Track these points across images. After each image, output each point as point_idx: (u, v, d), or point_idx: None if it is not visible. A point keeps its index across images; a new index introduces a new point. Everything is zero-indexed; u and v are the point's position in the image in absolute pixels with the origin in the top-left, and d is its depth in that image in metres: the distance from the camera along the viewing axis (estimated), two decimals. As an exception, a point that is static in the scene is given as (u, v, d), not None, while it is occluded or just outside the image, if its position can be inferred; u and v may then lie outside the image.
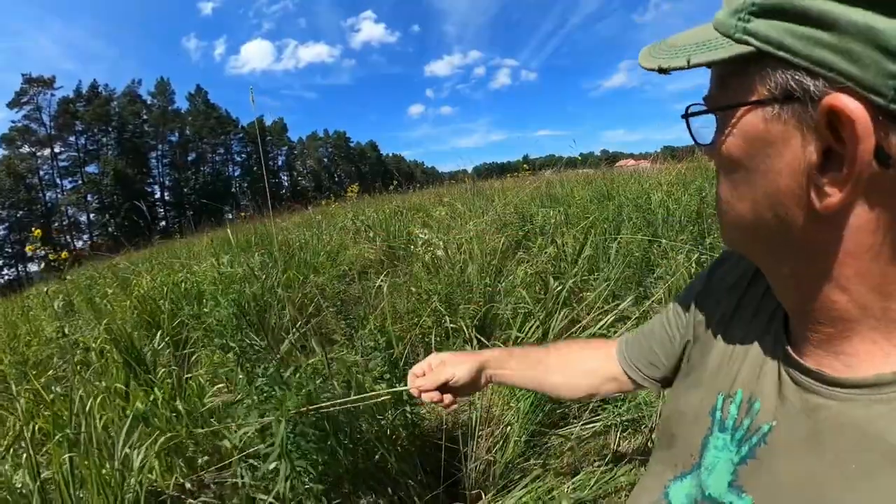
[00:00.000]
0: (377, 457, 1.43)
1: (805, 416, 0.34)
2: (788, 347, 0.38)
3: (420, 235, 2.22)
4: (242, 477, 1.21)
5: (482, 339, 1.76)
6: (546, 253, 2.13)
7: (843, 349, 0.33)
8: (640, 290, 2.37)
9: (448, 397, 0.71)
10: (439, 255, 2.11)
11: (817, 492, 0.31)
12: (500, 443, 1.57)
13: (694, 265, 2.48)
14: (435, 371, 0.71)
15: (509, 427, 1.54)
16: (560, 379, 0.71)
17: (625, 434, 1.56)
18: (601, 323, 1.78)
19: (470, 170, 7.41)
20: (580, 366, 0.70)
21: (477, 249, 2.19)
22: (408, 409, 1.48)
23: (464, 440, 1.58)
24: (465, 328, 1.60)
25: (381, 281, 2.43)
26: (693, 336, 0.53)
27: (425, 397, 0.70)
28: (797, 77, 0.27)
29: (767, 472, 0.36)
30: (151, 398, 1.74)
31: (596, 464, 1.35)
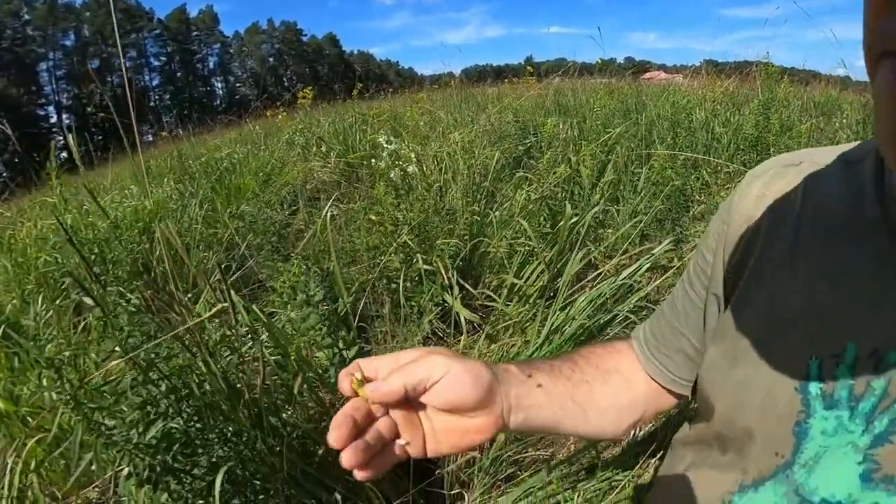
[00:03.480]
0: (320, 451, 1.26)
1: None
2: None
3: (386, 145, 1.94)
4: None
5: (466, 285, 1.56)
6: (555, 174, 1.89)
7: None
8: (678, 231, 2.18)
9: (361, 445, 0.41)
10: (410, 171, 1.84)
11: None
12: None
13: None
14: (398, 371, 0.43)
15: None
16: (605, 402, 0.54)
17: (664, 419, 1.42)
18: (628, 271, 1.58)
19: (458, 72, 6.98)
20: (620, 379, 0.57)
21: (463, 166, 1.94)
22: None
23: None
24: (442, 269, 1.38)
25: (332, 207, 2.17)
26: (723, 288, 0.47)
27: (336, 424, 0.41)
28: None
29: None
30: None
31: (618, 461, 1.21)
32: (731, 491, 0.41)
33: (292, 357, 1.03)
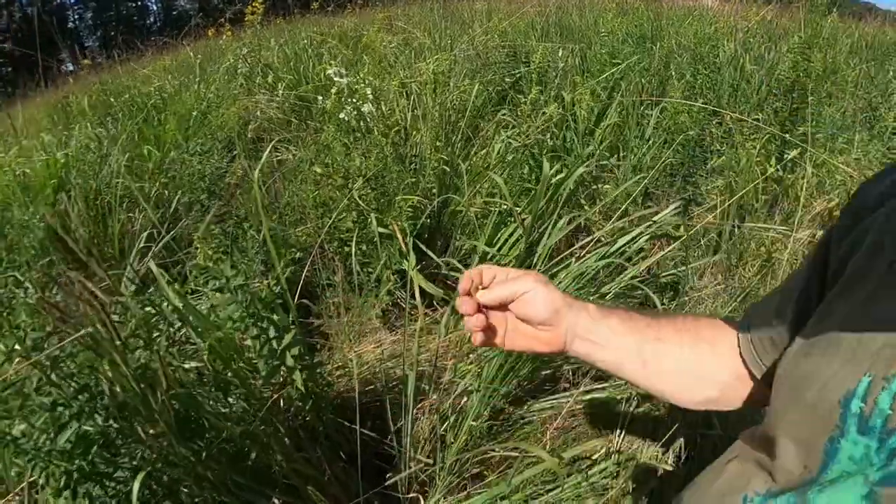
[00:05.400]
0: (253, 454, 1.26)
1: None
2: None
3: (337, 79, 1.85)
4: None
5: (429, 252, 1.53)
6: (544, 113, 1.83)
7: None
8: (689, 190, 2.15)
9: (480, 319, 0.65)
10: (366, 110, 1.77)
11: None
12: (453, 419, 1.42)
13: (773, 162, 2.26)
14: (506, 283, 0.66)
15: (466, 398, 1.38)
16: (674, 365, 0.64)
17: (641, 410, 1.43)
18: (625, 239, 1.55)
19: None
20: (705, 349, 0.65)
21: (432, 103, 1.87)
22: (299, 374, 1.28)
23: (394, 414, 1.42)
24: (398, 233, 1.34)
25: (278, 151, 2.11)
26: (822, 284, 0.52)
27: (465, 309, 0.65)
28: None
29: None
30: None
31: (594, 457, 1.22)
32: (757, 490, 0.46)
33: (205, 351, 0.99)
